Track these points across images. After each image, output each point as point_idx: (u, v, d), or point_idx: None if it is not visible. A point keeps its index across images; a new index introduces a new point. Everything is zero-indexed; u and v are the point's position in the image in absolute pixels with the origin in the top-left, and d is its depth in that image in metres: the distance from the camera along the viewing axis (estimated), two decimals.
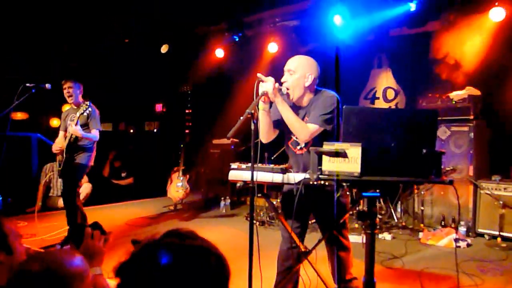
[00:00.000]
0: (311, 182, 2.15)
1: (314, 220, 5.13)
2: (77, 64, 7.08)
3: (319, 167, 1.97)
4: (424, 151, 1.89)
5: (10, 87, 4.39)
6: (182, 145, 6.49)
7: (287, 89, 2.53)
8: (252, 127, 2.36)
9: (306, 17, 6.58)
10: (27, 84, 4.16)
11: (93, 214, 6.10)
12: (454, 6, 5.25)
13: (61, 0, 5.83)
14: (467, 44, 5.33)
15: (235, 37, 7.21)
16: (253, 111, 2.32)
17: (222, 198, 6.30)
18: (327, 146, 1.89)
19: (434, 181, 1.93)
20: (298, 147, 2.63)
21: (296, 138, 2.59)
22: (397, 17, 5.54)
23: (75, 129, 4.21)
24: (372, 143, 1.90)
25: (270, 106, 2.57)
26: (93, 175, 6.65)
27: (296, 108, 2.58)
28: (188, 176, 6.43)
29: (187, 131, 6.67)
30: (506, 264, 3.80)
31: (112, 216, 6.07)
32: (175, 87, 8.13)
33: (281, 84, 2.54)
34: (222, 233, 5.10)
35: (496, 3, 4.81)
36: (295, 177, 2.41)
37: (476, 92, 4.92)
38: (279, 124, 2.57)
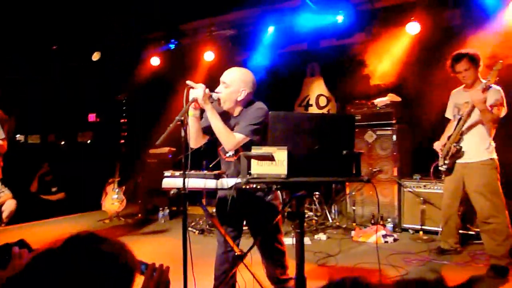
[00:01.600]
0: (242, 186, 2.23)
1: None
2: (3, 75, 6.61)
3: (249, 171, 2.04)
4: (344, 152, 2.05)
5: None
6: (117, 156, 6.28)
7: (219, 98, 2.57)
8: (183, 134, 2.39)
9: (242, 26, 6.74)
10: None
11: (22, 232, 5.71)
12: (376, 20, 5.68)
13: None
14: (388, 54, 5.79)
15: (171, 45, 7.18)
16: (182, 118, 2.35)
17: (161, 209, 6.19)
18: (255, 150, 1.98)
19: (354, 179, 2.10)
20: (227, 154, 2.69)
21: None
22: (327, 29, 5.87)
23: None
24: (298, 146, 2.02)
25: (202, 113, 2.61)
26: (19, 191, 6.21)
27: (227, 116, 2.63)
28: (124, 187, 6.24)
29: (122, 141, 6.47)
30: (427, 255, 4.15)
31: (43, 233, 5.70)
32: (109, 95, 7.86)
33: (212, 91, 2.58)
34: (160, 244, 5.02)
35: (412, 18, 5.28)
36: (228, 182, 2.47)
37: (397, 98, 5.35)
38: (210, 130, 2.59)
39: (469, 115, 3.50)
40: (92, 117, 8.49)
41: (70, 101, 8.01)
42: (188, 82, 2.48)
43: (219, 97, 2.56)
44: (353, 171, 2.08)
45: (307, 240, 4.78)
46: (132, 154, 6.91)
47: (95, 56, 6.79)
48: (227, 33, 7.06)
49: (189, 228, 5.48)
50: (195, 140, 2.61)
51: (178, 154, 6.17)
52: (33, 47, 6.65)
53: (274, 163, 1.96)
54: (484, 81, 3.46)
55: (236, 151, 2.60)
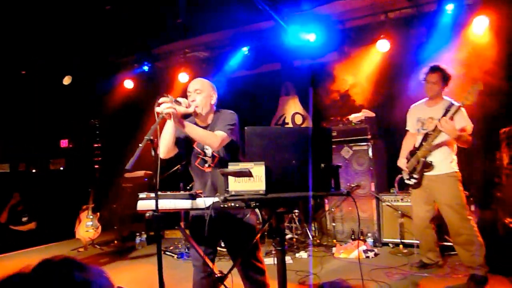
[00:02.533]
0: (220, 205, 2.18)
1: None
2: None
3: (226, 189, 2.00)
4: (322, 165, 2.04)
5: None
6: (91, 182, 6.09)
7: (196, 107, 2.60)
8: (153, 153, 2.33)
9: (216, 48, 6.79)
10: None
11: None
12: (347, 39, 5.84)
13: None
14: (361, 72, 5.94)
15: (144, 68, 7.15)
16: (152, 137, 2.30)
17: (137, 234, 6.00)
18: (232, 167, 1.94)
19: (333, 193, 2.08)
20: (206, 165, 2.69)
21: (204, 156, 2.67)
22: (299, 48, 5.97)
23: None
24: (275, 161, 2.00)
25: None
26: None
27: (201, 127, 2.63)
28: (98, 214, 6.03)
29: (96, 166, 6.30)
30: (407, 268, 4.15)
31: (11, 265, 5.39)
32: (82, 120, 7.69)
33: (176, 101, 2.53)
34: (138, 270, 4.83)
35: (382, 36, 5.45)
36: (205, 201, 2.41)
37: (371, 114, 5.45)
38: (181, 144, 2.61)
39: (439, 132, 3.58)
40: (64, 143, 8.26)
41: (41, 127, 7.79)
42: (161, 99, 2.45)
43: (196, 104, 2.60)
44: (332, 185, 2.07)
45: (288, 259, 4.71)
46: (106, 180, 6.72)
47: (66, 80, 6.66)
48: (201, 54, 7.11)
49: (167, 253, 5.34)
50: (166, 147, 2.55)
51: (154, 177, 6.04)
52: (1, 72, 6.48)
53: (252, 179, 1.93)
54: (447, 98, 3.68)
55: (213, 159, 2.64)
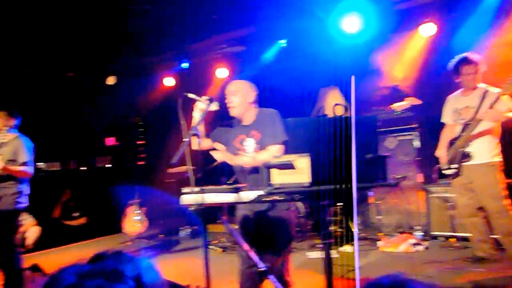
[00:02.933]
0: (263, 199, 2.15)
1: None
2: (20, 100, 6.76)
3: (269, 182, 1.97)
4: (369, 156, 1.95)
5: None
6: (136, 178, 6.28)
7: (233, 108, 2.71)
8: (194, 147, 2.35)
9: (253, 42, 6.76)
10: None
11: (45, 258, 5.71)
12: (391, 24, 5.60)
13: None
14: (405, 59, 5.69)
15: (183, 65, 7.25)
16: (195, 132, 2.31)
17: (181, 228, 6.13)
18: (275, 159, 1.90)
19: (381, 184, 1.99)
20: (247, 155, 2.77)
21: (244, 153, 2.77)
22: (339, 37, 5.80)
23: None
24: (319, 152, 1.94)
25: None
26: (43, 218, 6.26)
27: (240, 126, 2.79)
28: (145, 208, 6.21)
29: (140, 162, 6.49)
30: (460, 263, 3.94)
31: (65, 258, 5.70)
32: (125, 119, 7.95)
33: (224, 106, 2.64)
34: (183, 264, 4.93)
35: (426, 20, 5.18)
36: (247, 195, 2.39)
37: (417, 101, 5.21)
38: (222, 139, 2.80)
39: (479, 121, 3.46)
40: (110, 141, 8.57)
41: (88, 126, 8.12)
42: (189, 95, 2.58)
43: (233, 105, 2.72)
44: (379, 175, 1.98)
45: (332, 253, 4.62)
46: (151, 175, 6.91)
47: (110, 80, 6.88)
48: (237, 49, 7.11)
49: (211, 246, 5.40)
50: (199, 142, 2.61)
51: (197, 172, 6.13)
52: (50, 74, 6.80)
53: (296, 172, 1.88)
54: (482, 85, 3.65)
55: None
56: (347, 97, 6.56)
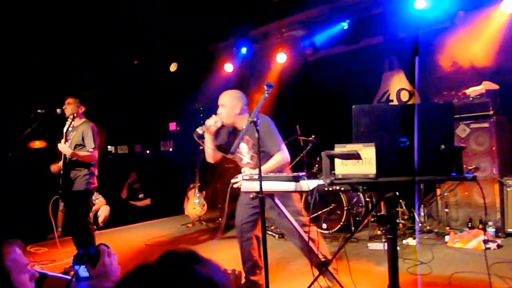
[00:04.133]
0: (325, 188, 2.07)
1: (335, 229, 5.01)
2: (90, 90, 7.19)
3: (332, 172, 1.89)
4: (443, 147, 1.79)
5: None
6: (197, 162, 6.45)
7: (222, 118, 3.12)
8: (256, 135, 2.33)
9: (313, 25, 6.56)
10: (38, 111, 4.17)
11: (114, 235, 6.11)
12: (463, 2, 5.14)
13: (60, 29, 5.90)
14: (479, 39, 5.21)
15: (242, 51, 7.25)
16: (255, 119, 2.29)
17: None
18: (339, 148, 1.81)
19: (455, 178, 1.83)
20: (242, 161, 3.30)
21: (240, 154, 3.27)
22: (405, 18, 5.45)
23: (63, 147, 4.07)
24: (386, 142, 1.81)
25: (216, 136, 3.21)
26: (111, 197, 6.68)
27: (235, 131, 3.22)
28: (204, 192, 6.38)
29: (201, 147, 6.64)
30: None
31: (130, 237, 6.05)
32: (186, 104, 8.17)
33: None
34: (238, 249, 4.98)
35: None
36: (308, 184, 2.33)
37: (494, 86, 4.76)
38: (222, 148, 3.24)
39: None
40: (172, 126, 8.88)
41: (153, 111, 8.46)
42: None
43: (221, 117, 3.12)
44: (453, 168, 1.82)
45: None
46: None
47: (173, 67, 7.08)
48: (297, 33, 6.94)
49: (269, 232, 5.42)
50: (212, 156, 3.24)
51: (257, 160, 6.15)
52: (119, 63, 7.11)
53: (361, 162, 1.78)
54: None
55: (252, 157, 3.21)
56: (413, 81, 6.20)
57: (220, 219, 6.66)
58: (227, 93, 3.26)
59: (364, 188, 1.98)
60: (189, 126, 8.25)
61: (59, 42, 5.99)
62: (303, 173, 2.48)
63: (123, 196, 7.71)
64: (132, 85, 7.66)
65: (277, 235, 5.26)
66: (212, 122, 3.11)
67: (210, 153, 3.23)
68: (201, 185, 6.34)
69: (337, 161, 1.82)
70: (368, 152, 1.75)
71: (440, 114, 1.86)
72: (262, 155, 2.77)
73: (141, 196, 7.72)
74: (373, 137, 1.79)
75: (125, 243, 5.62)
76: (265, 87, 2.45)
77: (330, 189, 2.13)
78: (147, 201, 7.71)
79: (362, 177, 1.78)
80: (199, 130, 3.11)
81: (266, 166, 2.93)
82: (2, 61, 5.81)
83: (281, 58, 6.83)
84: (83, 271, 1.39)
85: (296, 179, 2.36)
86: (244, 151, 3.23)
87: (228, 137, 3.24)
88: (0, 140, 6.33)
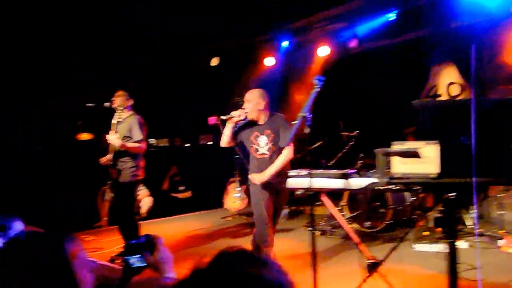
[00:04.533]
0: (380, 187, 1.98)
1: (379, 228, 4.86)
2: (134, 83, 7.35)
3: (387, 169, 1.79)
4: None
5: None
6: (236, 156, 6.46)
7: (246, 113, 3.46)
8: (306, 131, 2.25)
9: (356, 18, 6.37)
10: (88, 104, 4.30)
11: (156, 226, 6.25)
12: None
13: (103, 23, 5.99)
14: None
15: (283, 44, 7.17)
16: (305, 114, 2.22)
17: None
18: (397, 146, 1.71)
19: None
20: (258, 152, 3.53)
21: (257, 146, 3.52)
22: (457, 7, 5.16)
23: (113, 138, 4.18)
24: (449, 140, 1.69)
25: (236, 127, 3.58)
26: (153, 189, 6.82)
27: (256, 125, 3.56)
28: (245, 186, 6.38)
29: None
30: None
31: (172, 229, 6.17)
32: (226, 99, 8.18)
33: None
34: (280, 244, 4.93)
35: None
36: (359, 182, 2.24)
37: None
38: (236, 139, 3.64)
39: None
40: (212, 120, 8.93)
41: (192, 105, 8.55)
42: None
43: (246, 111, 3.47)
44: None
45: (443, 248, 4.21)
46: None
47: (214, 62, 7.10)
48: (339, 26, 6.76)
49: (309, 229, 5.34)
50: (226, 142, 3.64)
51: (295, 152, 6.06)
52: (164, 55, 7.19)
53: (421, 161, 1.67)
54: None
55: (269, 149, 3.45)
56: (466, 74, 5.87)
57: None
58: (253, 91, 3.64)
59: (422, 188, 1.86)
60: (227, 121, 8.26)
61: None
62: (353, 170, 2.38)
63: (164, 188, 7.88)
64: (173, 78, 7.77)
65: (318, 232, 5.17)
66: (237, 114, 3.50)
67: (225, 140, 3.63)
68: (241, 179, 6.34)
69: (395, 159, 1.73)
70: (431, 150, 1.64)
71: (507, 110, 1.71)
72: (277, 148, 3.43)
73: (181, 188, 7.85)
74: (434, 135, 1.68)
75: (167, 234, 5.73)
76: (316, 81, 2.36)
77: (381, 187, 2.03)
78: (188, 194, 7.83)
79: (422, 176, 1.67)
80: (223, 117, 3.55)
81: (279, 161, 3.31)
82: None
83: (323, 51, 6.69)
84: (136, 261, 1.38)
85: (346, 177, 2.28)
86: (263, 143, 3.51)
87: (245, 130, 3.63)
88: (50, 133, 6.63)
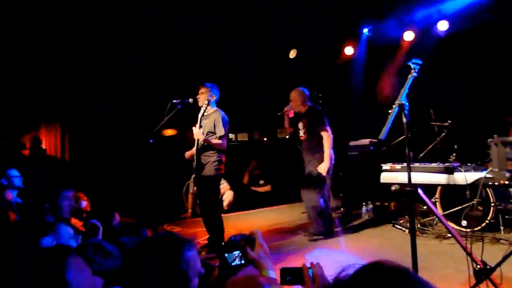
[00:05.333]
0: (495, 183, 1.72)
1: (479, 228, 4.39)
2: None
3: (509, 162, 1.54)
4: None
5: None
6: None
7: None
8: (404, 120, 2.05)
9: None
10: (174, 101, 4.46)
11: (238, 220, 6.36)
12: None
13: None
14: None
15: (364, 32, 6.81)
16: (402, 102, 2.01)
17: (364, 203, 5.89)
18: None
19: None
20: (300, 135, 5.00)
21: (300, 130, 5.02)
22: None
23: (198, 132, 4.31)
24: None
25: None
26: (234, 183, 6.95)
27: (299, 116, 5.03)
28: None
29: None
30: None
31: (253, 222, 6.22)
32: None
33: None
34: (366, 242, 4.71)
35: None
36: (466, 176, 1.99)
37: None
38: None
39: None
40: (290, 113, 8.83)
41: (271, 99, 8.54)
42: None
43: (292, 106, 5.02)
44: None
45: None
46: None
47: (292, 54, 6.99)
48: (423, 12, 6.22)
49: (397, 226, 5.03)
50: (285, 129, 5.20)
51: (380, 145, 5.73)
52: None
53: None
54: None
55: (304, 132, 4.95)
56: None
57: (342, 208, 6.44)
58: (294, 90, 5.03)
59: None
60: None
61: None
62: (457, 164, 2.13)
63: (244, 182, 7.99)
64: (249, 73, 7.80)
65: (406, 230, 4.83)
66: (288, 108, 5.02)
67: (285, 128, 5.24)
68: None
69: None
70: None
71: None
72: (311, 135, 4.84)
73: (261, 182, 7.91)
74: None
75: (249, 227, 5.79)
76: (411, 64, 2.13)
77: (498, 182, 1.77)
78: (268, 188, 7.86)
79: None
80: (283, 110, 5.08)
81: (325, 151, 4.70)
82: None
83: (408, 36, 6.23)
84: (236, 259, 1.33)
85: (451, 171, 2.03)
86: (301, 130, 4.98)
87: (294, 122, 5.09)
88: (139, 130, 7.05)
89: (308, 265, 1.26)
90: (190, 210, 6.62)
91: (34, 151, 7.77)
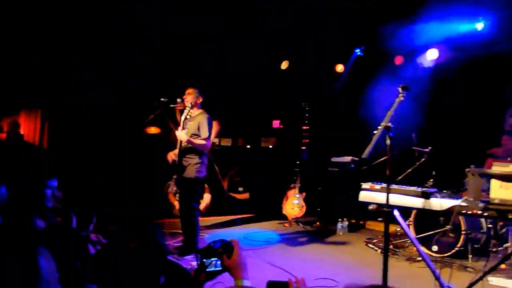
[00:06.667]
0: (469, 212, 1.78)
1: (448, 254, 4.48)
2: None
3: (483, 191, 1.59)
4: None
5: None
6: (298, 162, 6.35)
7: None
8: (388, 141, 2.10)
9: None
10: (161, 99, 4.44)
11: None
12: None
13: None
14: None
15: (356, 51, 6.93)
16: (388, 124, 2.06)
17: (340, 220, 5.95)
18: (499, 167, 1.51)
19: None
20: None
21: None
22: None
23: (180, 134, 4.31)
24: None
25: None
26: (213, 187, 6.91)
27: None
28: (304, 194, 6.25)
29: (303, 147, 6.53)
30: None
31: (232, 231, 6.21)
32: (292, 103, 8.10)
33: None
34: (338, 259, 4.75)
35: None
36: (441, 203, 2.04)
37: None
38: None
39: None
40: (276, 123, 8.89)
41: (256, 108, 8.57)
42: None
43: None
44: None
45: None
46: (312, 162, 6.90)
47: (284, 65, 7.06)
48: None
49: (370, 245, 5.10)
50: None
51: (361, 163, 5.80)
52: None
53: None
54: None
55: None
56: None
57: (317, 223, 6.49)
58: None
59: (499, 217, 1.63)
60: (292, 125, 8.18)
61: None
62: (434, 189, 2.19)
63: (224, 187, 7.95)
64: (240, 79, 7.82)
65: (379, 250, 4.90)
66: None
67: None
68: (301, 186, 6.22)
69: (494, 182, 1.53)
70: None
71: None
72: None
73: (240, 189, 7.88)
74: None
75: (226, 235, 5.77)
76: (400, 89, 2.20)
77: (470, 211, 1.82)
78: (246, 195, 7.83)
79: None
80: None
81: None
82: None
83: (397, 60, 6.39)
84: (213, 265, 1.34)
85: (427, 196, 2.09)
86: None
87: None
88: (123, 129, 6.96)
89: (293, 279, 1.29)
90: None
91: (11, 135, 7.58)
